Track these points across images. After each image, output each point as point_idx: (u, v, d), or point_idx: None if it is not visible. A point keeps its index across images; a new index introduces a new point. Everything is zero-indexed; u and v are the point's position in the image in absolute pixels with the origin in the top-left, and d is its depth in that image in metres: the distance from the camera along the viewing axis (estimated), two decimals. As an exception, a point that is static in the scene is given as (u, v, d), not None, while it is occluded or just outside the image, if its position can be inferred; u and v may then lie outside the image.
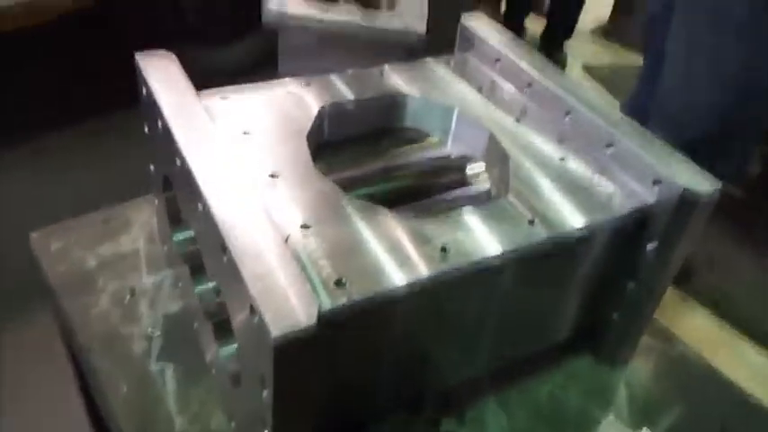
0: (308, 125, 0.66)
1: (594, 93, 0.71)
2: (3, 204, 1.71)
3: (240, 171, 0.53)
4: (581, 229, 0.57)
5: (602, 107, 0.67)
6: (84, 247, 0.77)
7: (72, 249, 0.77)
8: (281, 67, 1.40)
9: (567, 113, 0.68)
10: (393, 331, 0.53)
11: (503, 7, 3.24)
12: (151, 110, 0.61)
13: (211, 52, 2.28)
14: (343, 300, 0.47)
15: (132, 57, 0.65)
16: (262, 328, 0.41)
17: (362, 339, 0.52)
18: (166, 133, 0.57)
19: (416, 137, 0.76)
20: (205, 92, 0.66)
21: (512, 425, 0.65)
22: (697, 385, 0.74)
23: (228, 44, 2.36)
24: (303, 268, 0.48)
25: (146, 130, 0.67)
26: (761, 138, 1.65)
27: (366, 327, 0.51)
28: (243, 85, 0.70)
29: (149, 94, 0.61)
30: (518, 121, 0.71)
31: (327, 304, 0.46)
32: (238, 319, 0.48)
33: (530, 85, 0.72)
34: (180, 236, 0.69)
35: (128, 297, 0.72)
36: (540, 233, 0.56)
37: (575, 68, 3.07)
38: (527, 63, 0.73)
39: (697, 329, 1.70)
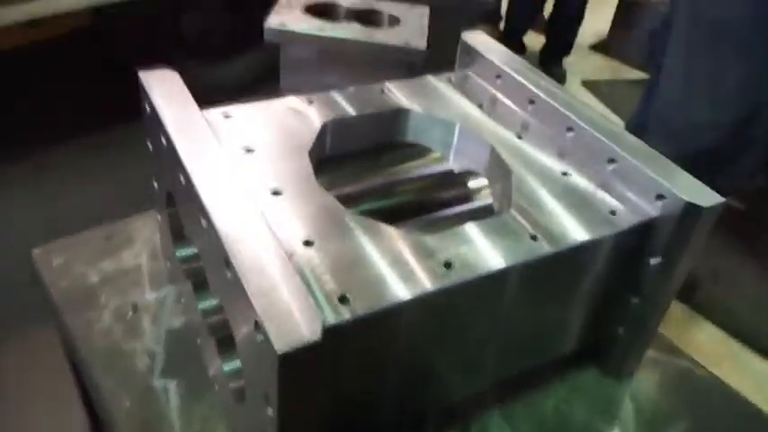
0: (311, 141, 0.66)
1: (596, 108, 0.71)
2: (4, 220, 1.71)
3: (244, 187, 0.53)
4: (584, 243, 0.57)
5: (604, 123, 0.68)
6: (87, 263, 0.77)
7: (74, 265, 0.77)
8: (283, 82, 1.41)
9: (569, 129, 0.68)
10: (397, 346, 0.53)
11: (502, 25, 3.26)
12: (154, 126, 0.62)
13: (212, 68, 2.29)
14: (346, 315, 0.47)
15: (132, 73, 0.65)
16: (266, 343, 0.41)
17: (366, 354, 0.52)
18: (170, 149, 0.57)
19: (418, 152, 0.76)
20: (208, 109, 0.66)
21: (516, 440, 0.65)
22: (703, 398, 0.74)
23: (230, 60, 2.38)
24: (307, 283, 0.48)
25: (149, 146, 0.67)
26: (762, 152, 1.65)
27: (370, 342, 0.51)
28: (245, 103, 0.70)
29: (153, 110, 0.61)
30: (520, 136, 0.71)
31: (331, 319, 0.46)
32: (242, 334, 0.48)
33: (531, 101, 0.72)
34: (183, 252, 0.69)
35: (130, 313, 0.72)
36: (543, 248, 0.56)
37: (573, 84, 3.09)
38: (528, 79, 0.74)
39: (701, 342, 1.70)
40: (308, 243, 0.53)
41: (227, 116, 0.67)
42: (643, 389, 0.72)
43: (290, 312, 0.43)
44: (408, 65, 1.31)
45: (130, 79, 0.66)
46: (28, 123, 2.09)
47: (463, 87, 0.79)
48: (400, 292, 0.49)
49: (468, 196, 0.72)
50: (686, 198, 0.58)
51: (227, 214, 0.50)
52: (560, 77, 3.04)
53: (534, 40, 3.24)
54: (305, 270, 0.50)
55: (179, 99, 0.62)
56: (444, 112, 0.74)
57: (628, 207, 0.62)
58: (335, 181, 0.68)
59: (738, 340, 1.74)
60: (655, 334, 0.70)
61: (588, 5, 3.00)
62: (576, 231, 0.58)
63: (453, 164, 0.75)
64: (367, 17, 1.47)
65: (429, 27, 1.41)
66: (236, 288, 0.46)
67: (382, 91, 0.76)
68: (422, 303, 0.50)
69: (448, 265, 0.52)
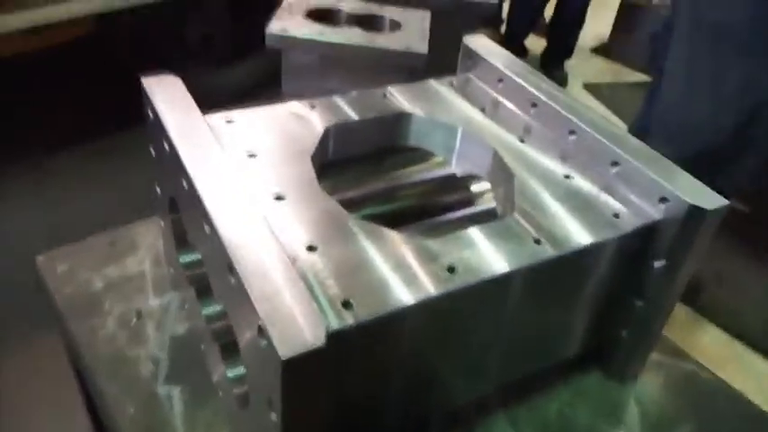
0: (313, 146, 0.66)
1: (598, 112, 0.71)
2: (8, 227, 1.72)
3: (246, 192, 0.53)
4: (587, 247, 0.57)
5: (607, 126, 0.68)
6: (91, 270, 0.77)
7: (78, 272, 0.77)
8: (285, 87, 1.41)
9: (572, 132, 0.68)
10: (401, 351, 0.53)
11: (503, 28, 3.26)
12: (157, 132, 0.62)
13: (215, 74, 2.30)
14: (350, 320, 0.47)
15: (133, 79, 0.66)
16: (270, 349, 0.41)
17: (370, 359, 0.52)
18: (172, 155, 0.57)
19: (420, 156, 0.76)
20: (210, 115, 0.66)
21: (521, 444, 0.65)
22: (708, 401, 0.73)
23: (232, 65, 2.39)
24: (310, 288, 0.48)
25: (152, 152, 0.67)
26: (763, 153, 1.65)
27: (374, 346, 0.51)
28: (247, 108, 0.70)
29: (155, 115, 0.62)
30: (522, 140, 0.71)
31: (335, 324, 0.46)
32: (245, 340, 0.48)
33: (533, 104, 0.72)
34: (186, 258, 0.69)
35: (134, 319, 0.72)
36: (547, 251, 0.56)
37: (575, 87, 3.09)
38: (530, 83, 0.74)
39: (706, 345, 1.69)
40: (311, 248, 0.53)
41: (229, 121, 0.68)
42: (647, 392, 0.72)
43: (293, 317, 0.43)
44: (410, 69, 1.30)
45: (133, 85, 0.66)
46: (31, 129, 2.10)
47: (465, 91, 0.79)
48: (404, 296, 0.49)
49: (470, 200, 0.72)
50: (690, 201, 0.57)
51: (230, 220, 0.50)
52: (562, 80, 3.04)
53: (535, 44, 3.24)
54: (308, 275, 0.50)
55: (181, 104, 0.63)
56: (446, 116, 0.74)
57: (631, 210, 0.61)
58: (338, 185, 0.68)
59: (743, 342, 1.74)
60: (659, 337, 0.70)
61: (589, 8, 3.00)
62: (580, 235, 0.58)
63: (456, 168, 0.75)
64: (368, 22, 1.47)
65: (430, 31, 1.41)
66: (239, 293, 0.46)
67: (384, 95, 0.76)
68: (425, 308, 0.50)
69: (451, 269, 0.52)
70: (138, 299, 0.74)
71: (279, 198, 0.58)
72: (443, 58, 0.96)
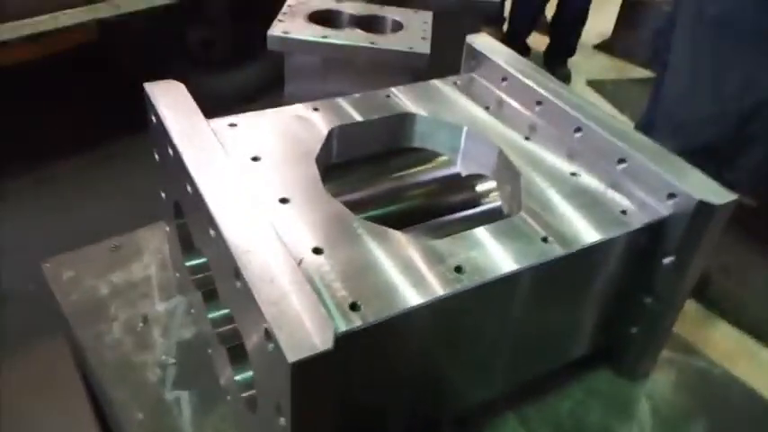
0: (317, 148, 0.66)
1: (604, 109, 0.71)
2: (13, 234, 1.72)
3: (251, 196, 0.53)
4: (596, 244, 0.57)
5: (613, 122, 0.67)
6: (97, 276, 0.77)
7: (84, 278, 0.77)
8: (287, 90, 1.40)
9: (578, 130, 0.68)
10: (409, 352, 0.53)
11: (505, 27, 3.26)
12: (161, 137, 0.62)
13: (217, 78, 2.30)
14: (358, 322, 0.46)
15: (135, 85, 0.65)
16: (278, 353, 0.41)
17: (378, 361, 0.52)
18: (177, 160, 0.57)
19: (425, 157, 0.75)
20: (214, 119, 0.66)
21: (532, 444, 0.64)
22: (720, 397, 0.73)
23: (234, 70, 2.39)
24: (317, 291, 0.48)
25: (156, 157, 0.67)
26: (763, 148, 1.65)
27: (382, 348, 0.50)
28: (250, 112, 0.70)
29: (159, 121, 0.61)
30: (527, 138, 0.71)
31: (342, 327, 0.46)
32: (253, 344, 0.48)
33: (539, 102, 0.72)
34: (192, 261, 0.69)
35: (141, 325, 0.72)
36: (555, 250, 0.55)
37: (578, 84, 3.08)
38: (534, 81, 0.73)
39: (717, 341, 1.68)
40: (317, 251, 0.52)
41: (232, 125, 0.67)
42: (659, 389, 0.71)
43: (301, 321, 0.43)
44: (413, 70, 1.30)
45: (136, 91, 0.66)
46: (34, 137, 2.11)
47: (469, 90, 0.79)
48: (411, 298, 0.49)
49: (476, 200, 0.72)
50: (698, 196, 0.57)
51: (235, 224, 0.49)
52: (565, 78, 3.03)
53: (538, 42, 3.23)
54: (315, 278, 0.50)
55: (185, 109, 0.62)
56: (451, 116, 0.74)
57: (639, 207, 0.61)
58: (343, 187, 0.67)
59: (752, 336, 1.73)
60: (669, 334, 0.69)
61: (592, 5, 2.99)
62: (588, 232, 0.57)
63: (461, 167, 0.74)
64: (370, 23, 1.47)
65: (432, 31, 1.40)
66: (246, 297, 0.45)
67: (388, 96, 0.76)
68: (433, 309, 0.49)
69: (459, 269, 0.52)
70: (144, 304, 0.74)
71: (283, 201, 0.58)
72: (446, 58, 0.96)
